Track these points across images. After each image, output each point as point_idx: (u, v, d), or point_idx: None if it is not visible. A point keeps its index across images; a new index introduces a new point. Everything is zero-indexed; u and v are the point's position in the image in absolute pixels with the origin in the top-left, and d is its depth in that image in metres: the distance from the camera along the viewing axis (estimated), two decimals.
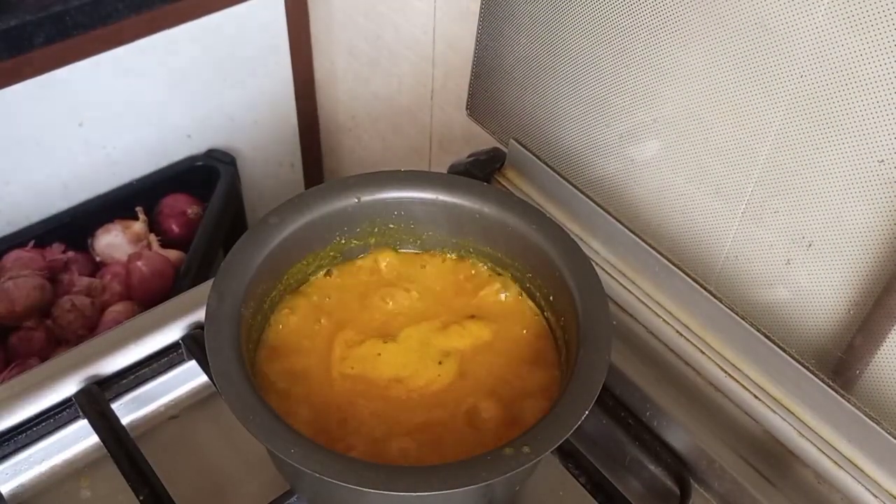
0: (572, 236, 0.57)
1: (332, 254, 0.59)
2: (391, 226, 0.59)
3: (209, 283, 0.53)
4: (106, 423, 0.56)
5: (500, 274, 0.60)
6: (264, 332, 0.56)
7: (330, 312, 0.57)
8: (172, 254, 1.06)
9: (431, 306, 0.59)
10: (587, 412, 0.46)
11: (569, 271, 0.54)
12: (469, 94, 0.73)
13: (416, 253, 0.61)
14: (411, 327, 0.57)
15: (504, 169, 0.72)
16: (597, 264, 0.61)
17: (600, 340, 0.50)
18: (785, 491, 0.54)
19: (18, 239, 1.02)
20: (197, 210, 1.11)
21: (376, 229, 0.59)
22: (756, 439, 0.57)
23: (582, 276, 0.54)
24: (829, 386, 0.52)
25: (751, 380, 0.57)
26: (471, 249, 0.60)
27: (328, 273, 0.59)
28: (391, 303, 0.58)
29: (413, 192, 0.58)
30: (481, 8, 0.67)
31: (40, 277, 0.98)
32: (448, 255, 0.61)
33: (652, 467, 0.58)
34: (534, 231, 0.56)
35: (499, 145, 0.73)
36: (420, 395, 0.53)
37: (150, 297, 1.00)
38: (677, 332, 0.61)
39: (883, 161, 0.46)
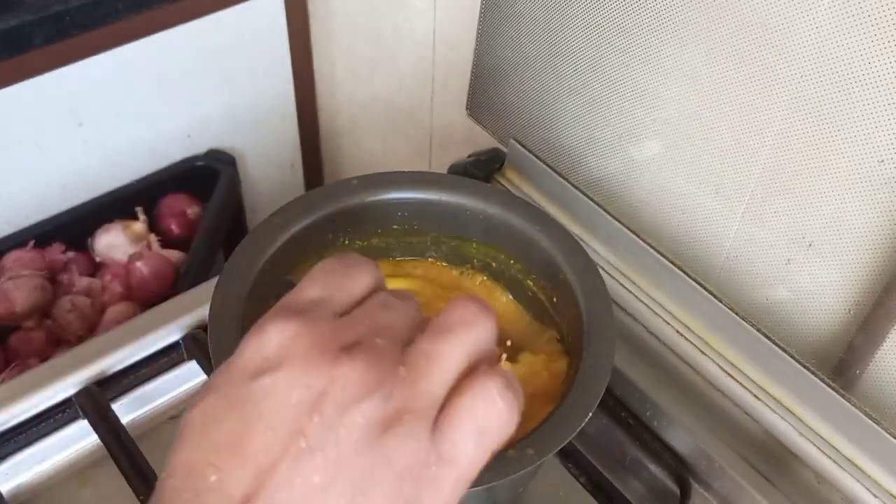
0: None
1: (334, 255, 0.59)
2: (394, 227, 0.59)
3: (209, 283, 0.53)
4: (106, 423, 0.56)
5: (504, 278, 0.60)
6: None
7: None
8: (172, 254, 1.06)
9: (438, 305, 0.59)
10: (591, 414, 0.46)
11: (572, 273, 0.54)
12: (469, 94, 0.73)
13: (421, 259, 0.61)
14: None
15: (504, 169, 0.72)
16: (597, 264, 0.61)
17: (604, 343, 0.50)
18: (785, 491, 0.54)
19: (18, 239, 1.02)
20: (197, 210, 1.11)
21: (379, 230, 0.59)
22: (756, 439, 0.57)
23: (586, 277, 0.54)
24: (830, 386, 0.52)
25: (751, 380, 0.57)
26: (473, 250, 0.60)
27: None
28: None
29: (416, 193, 0.58)
30: (481, 8, 0.67)
31: (40, 277, 0.98)
32: (465, 269, 0.61)
33: (652, 467, 0.58)
34: (537, 232, 0.56)
35: (499, 145, 0.73)
36: None
37: (150, 297, 1.00)
38: (677, 332, 0.61)
39: (883, 161, 0.46)
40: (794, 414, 0.55)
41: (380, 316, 0.34)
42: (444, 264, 0.61)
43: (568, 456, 0.56)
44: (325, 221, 0.57)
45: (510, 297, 0.60)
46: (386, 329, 0.33)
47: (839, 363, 0.52)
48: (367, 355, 0.31)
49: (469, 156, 0.74)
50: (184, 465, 0.30)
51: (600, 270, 0.55)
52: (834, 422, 0.53)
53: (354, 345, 0.32)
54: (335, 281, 0.35)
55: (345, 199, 0.57)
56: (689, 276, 0.59)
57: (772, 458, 0.56)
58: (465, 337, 0.34)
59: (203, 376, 0.61)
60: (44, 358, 0.94)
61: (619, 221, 0.63)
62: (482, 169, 0.72)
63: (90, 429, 0.57)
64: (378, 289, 0.36)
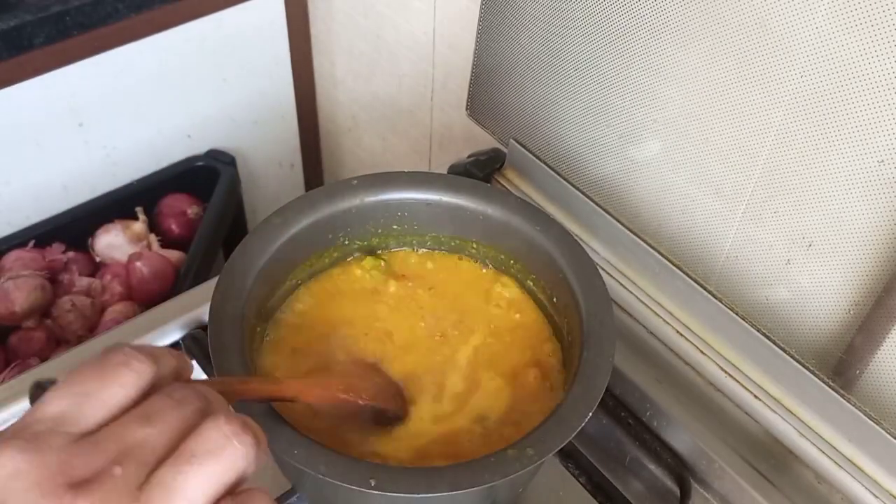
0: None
1: (335, 254, 0.59)
2: (394, 227, 0.60)
3: (209, 283, 0.53)
4: None
5: (506, 275, 0.60)
6: (271, 331, 0.56)
7: (337, 311, 0.57)
8: (172, 254, 1.06)
9: (440, 306, 0.59)
10: (590, 414, 0.46)
11: (572, 273, 0.54)
12: (469, 94, 0.73)
13: (428, 252, 0.61)
14: (420, 324, 0.57)
15: (504, 169, 0.72)
16: (596, 264, 0.61)
17: (604, 343, 0.50)
18: (785, 491, 0.54)
19: (18, 239, 1.02)
20: (197, 210, 1.11)
21: (380, 230, 0.59)
22: (756, 439, 0.57)
23: (585, 278, 0.54)
24: (829, 386, 0.52)
25: (751, 380, 0.57)
26: (473, 250, 0.60)
27: (334, 271, 0.60)
28: (397, 303, 0.58)
29: (417, 194, 0.58)
30: (481, 8, 0.67)
31: (40, 277, 0.98)
32: (460, 257, 0.61)
33: (652, 467, 0.58)
34: (538, 233, 0.56)
35: (499, 145, 0.73)
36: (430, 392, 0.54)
37: (150, 297, 1.00)
38: (677, 332, 0.61)
39: (883, 161, 0.46)
40: (794, 414, 0.55)
41: (133, 433, 0.30)
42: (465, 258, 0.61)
43: (568, 456, 0.56)
44: (325, 221, 0.57)
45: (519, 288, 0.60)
46: (135, 451, 0.30)
47: (839, 363, 0.52)
48: (95, 495, 0.28)
49: (469, 156, 0.74)
50: None
51: (600, 270, 0.55)
52: (834, 422, 0.53)
53: (85, 481, 0.28)
54: (86, 388, 0.31)
55: (345, 199, 0.57)
56: (689, 276, 0.59)
57: (772, 458, 0.56)
58: (210, 468, 0.30)
59: (203, 376, 0.61)
60: (44, 358, 0.94)
61: (619, 221, 0.63)
62: (482, 169, 0.72)
63: None
64: (157, 385, 0.32)
